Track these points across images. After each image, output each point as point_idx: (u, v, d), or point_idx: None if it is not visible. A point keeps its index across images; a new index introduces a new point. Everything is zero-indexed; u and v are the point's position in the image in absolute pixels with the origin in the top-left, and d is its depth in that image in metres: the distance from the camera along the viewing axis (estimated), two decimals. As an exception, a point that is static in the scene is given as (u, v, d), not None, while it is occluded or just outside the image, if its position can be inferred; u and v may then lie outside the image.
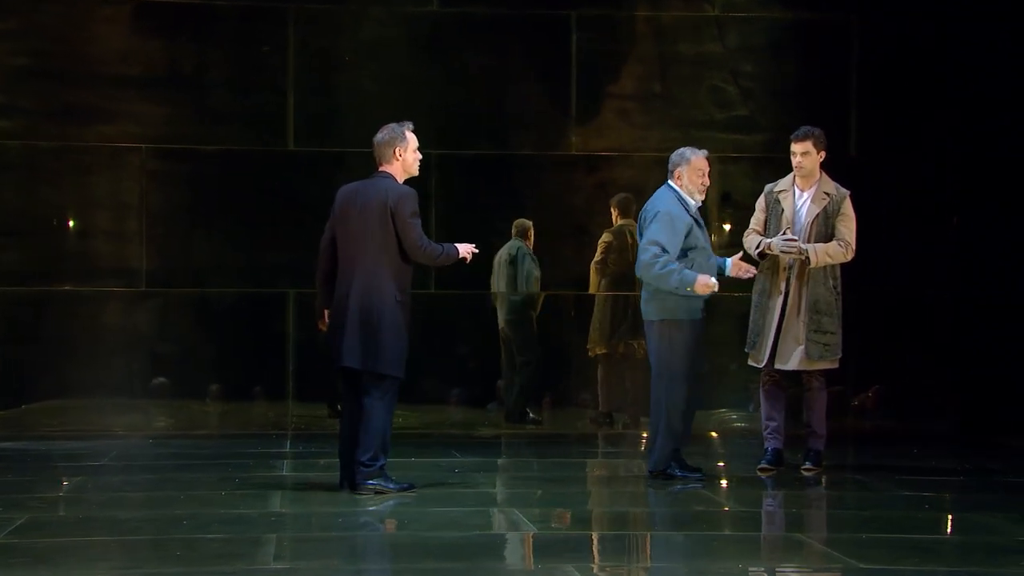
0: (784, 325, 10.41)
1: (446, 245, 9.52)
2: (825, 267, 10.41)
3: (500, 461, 11.85)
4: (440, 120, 13.02)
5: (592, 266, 13.67)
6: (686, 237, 9.91)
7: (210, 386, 13.47)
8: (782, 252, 10.33)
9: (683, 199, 10.03)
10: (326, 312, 9.52)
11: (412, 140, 9.49)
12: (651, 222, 9.97)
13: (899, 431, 13.44)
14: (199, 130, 13.40)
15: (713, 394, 12.98)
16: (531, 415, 13.78)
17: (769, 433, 10.58)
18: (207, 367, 13.44)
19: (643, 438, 12.44)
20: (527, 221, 13.70)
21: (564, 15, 13.69)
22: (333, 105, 13.60)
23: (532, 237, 13.71)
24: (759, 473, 10.49)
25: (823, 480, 10.48)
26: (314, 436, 12.68)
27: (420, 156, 9.56)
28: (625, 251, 13.37)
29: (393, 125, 9.49)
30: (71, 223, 13.36)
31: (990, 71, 13.71)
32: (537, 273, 13.67)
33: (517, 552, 7.95)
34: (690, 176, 10.04)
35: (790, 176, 10.62)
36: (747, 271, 10.28)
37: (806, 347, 10.37)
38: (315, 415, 13.39)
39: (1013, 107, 13.65)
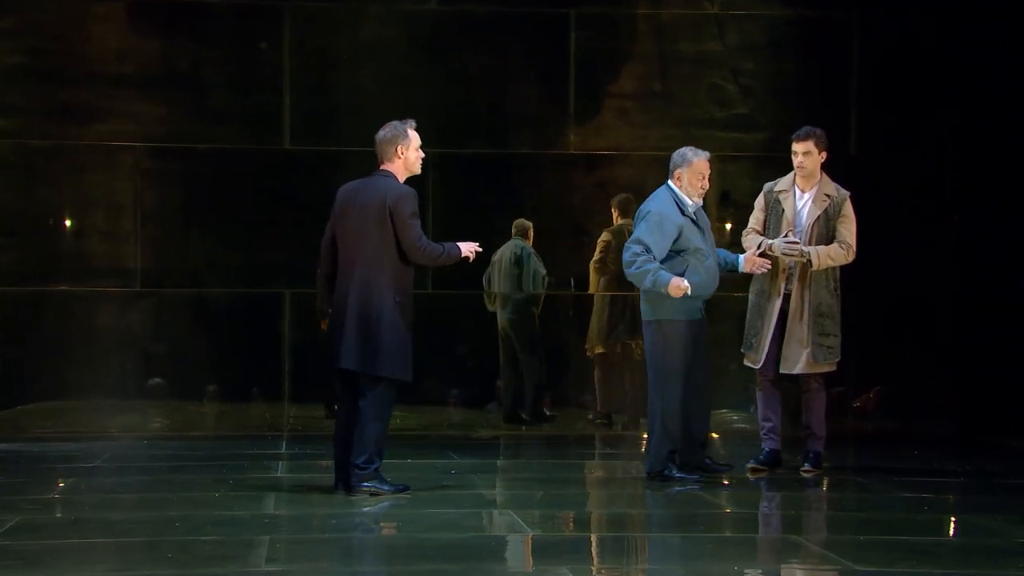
0: (788, 329, 10.39)
1: (447, 245, 9.44)
2: (826, 269, 10.37)
3: (497, 462, 11.83)
4: (438, 119, 12.95)
5: (591, 266, 13.65)
6: (677, 239, 9.87)
7: (205, 387, 13.43)
8: (783, 254, 10.27)
9: (680, 200, 9.99)
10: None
11: (415, 138, 9.44)
12: (640, 221, 9.98)
13: (899, 432, 13.41)
14: (194, 129, 13.35)
15: (713, 395, 12.87)
16: (547, 412, 13.76)
17: (766, 433, 10.56)
18: (203, 368, 13.41)
19: (643, 439, 12.34)
20: (527, 221, 13.65)
21: (563, 13, 13.65)
22: (330, 104, 13.57)
23: (532, 237, 13.66)
24: (749, 474, 10.48)
25: (822, 482, 10.44)
26: (310, 437, 12.66)
27: (423, 154, 9.50)
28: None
29: (396, 123, 9.43)
30: (65, 223, 13.32)
31: (991, 69, 13.67)
32: (543, 272, 13.63)
33: (513, 554, 7.90)
34: (690, 178, 10.01)
35: (790, 176, 10.56)
36: (762, 265, 10.23)
37: (812, 351, 10.35)
38: (312, 416, 13.35)
39: (1014, 105, 13.58)
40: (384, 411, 9.34)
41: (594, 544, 8.34)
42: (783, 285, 10.40)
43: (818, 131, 10.52)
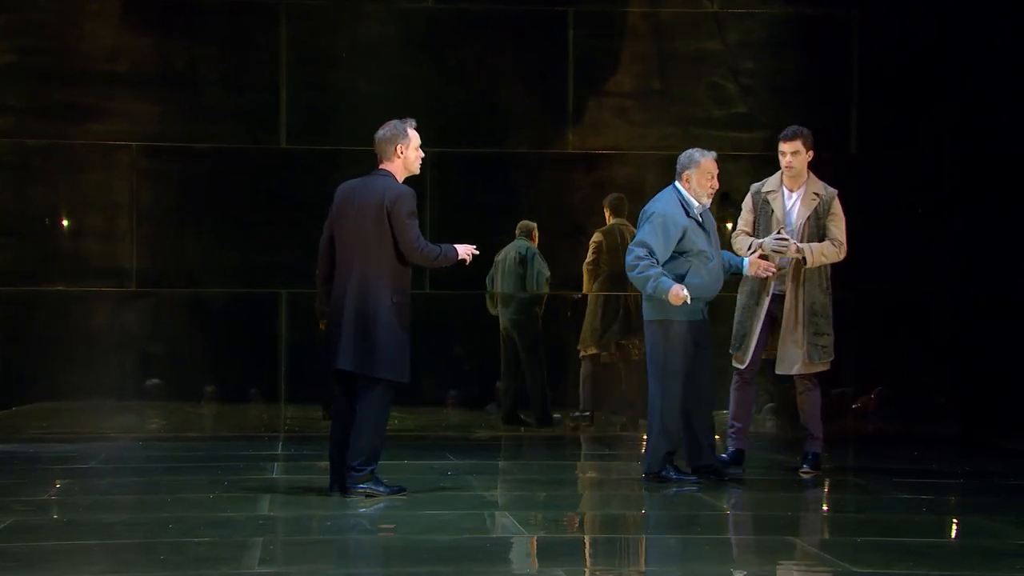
0: (783, 330, 10.38)
1: (444, 246, 9.39)
2: (818, 268, 10.36)
3: (494, 464, 11.78)
4: (435, 118, 12.90)
5: (584, 267, 13.62)
6: (680, 240, 9.84)
7: (202, 388, 13.38)
8: (773, 251, 10.23)
9: (686, 201, 9.95)
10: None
11: (414, 137, 9.39)
12: (644, 223, 9.95)
13: (899, 433, 13.38)
14: (190, 128, 13.29)
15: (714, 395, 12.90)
16: (551, 415, 13.75)
17: (734, 434, 10.56)
18: (199, 368, 13.35)
19: (642, 440, 12.31)
20: (531, 222, 13.61)
21: (561, 11, 13.60)
22: (326, 102, 13.51)
23: (536, 237, 13.62)
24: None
25: (821, 483, 10.40)
26: (307, 438, 12.62)
27: (422, 154, 9.46)
28: (617, 251, 13.31)
29: (395, 122, 9.39)
30: (60, 222, 13.26)
31: (990, 68, 13.61)
32: (547, 273, 13.60)
33: (508, 556, 7.86)
34: (699, 179, 9.97)
35: (777, 176, 10.55)
36: (767, 269, 10.17)
37: (807, 351, 10.33)
38: (309, 417, 13.31)
39: (1013, 104, 13.53)
40: (381, 413, 9.30)
41: (590, 546, 8.30)
42: (773, 286, 10.38)
43: (805, 130, 10.51)
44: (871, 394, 13.69)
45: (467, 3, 13.57)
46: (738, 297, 10.58)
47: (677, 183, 10.01)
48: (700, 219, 9.95)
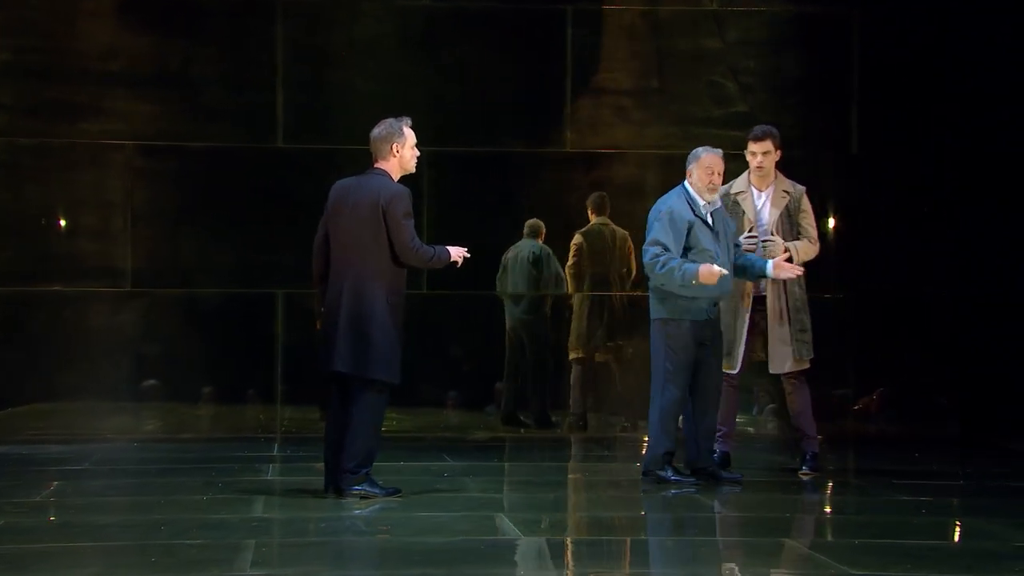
0: (770, 330, 10.39)
1: (438, 248, 9.34)
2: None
3: (491, 465, 11.71)
4: (432, 116, 12.85)
5: (566, 270, 13.57)
6: (687, 236, 9.79)
7: (197, 389, 13.33)
8: (745, 250, 10.19)
9: (692, 199, 9.92)
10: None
11: (410, 136, 9.33)
12: (654, 222, 9.94)
13: (899, 433, 13.34)
14: (186, 127, 13.24)
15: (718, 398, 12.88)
16: (552, 417, 13.72)
17: (720, 436, 10.48)
18: (194, 369, 13.29)
19: (641, 440, 12.37)
20: (539, 221, 13.57)
21: (560, 9, 13.55)
22: (323, 101, 13.46)
23: (544, 236, 13.59)
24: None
25: (820, 484, 10.38)
26: (304, 440, 12.56)
27: (418, 153, 9.41)
28: (602, 252, 13.32)
29: (391, 120, 9.33)
30: (55, 222, 13.21)
31: (992, 66, 13.54)
32: (563, 274, 13.52)
33: (502, 558, 7.79)
34: (699, 174, 9.93)
35: (744, 176, 10.59)
36: (792, 271, 10.06)
37: (795, 348, 10.35)
38: (306, 418, 13.26)
39: (1015, 102, 13.46)
40: (377, 415, 9.25)
41: (585, 548, 8.27)
42: (754, 287, 10.36)
43: (774, 130, 10.54)
44: (873, 395, 13.65)
45: (465, 1, 13.53)
46: (721, 303, 10.53)
47: (686, 181, 10.00)
48: (706, 217, 9.89)
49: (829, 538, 8.62)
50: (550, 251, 13.55)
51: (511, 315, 13.66)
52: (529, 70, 13.61)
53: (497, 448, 12.82)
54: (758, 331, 10.41)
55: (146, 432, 13.05)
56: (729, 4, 13.67)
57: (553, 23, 13.52)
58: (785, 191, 10.46)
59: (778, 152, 10.47)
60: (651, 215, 10.00)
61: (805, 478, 10.41)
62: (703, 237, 9.82)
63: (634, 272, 13.23)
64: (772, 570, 7.68)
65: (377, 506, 9.02)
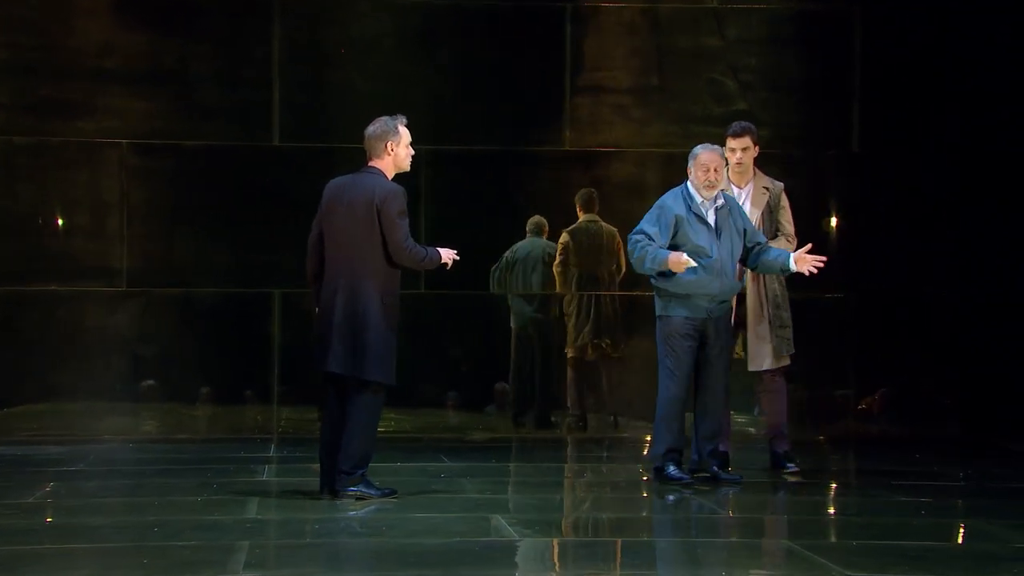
0: (750, 327, 10.40)
1: (429, 249, 9.31)
2: None
3: (489, 466, 11.65)
4: (430, 115, 12.79)
5: (554, 268, 13.49)
6: (675, 234, 9.78)
7: (194, 389, 13.27)
8: None
9: (690, 195, 9.91)
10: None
11: (405, 135, 9.29)
12: (645, 214, 9.99)
13: (900, 434, 13.29)
14: (181, 125, 13.19)
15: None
16: (552, 419, 13.68)
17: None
18: (191, 369, 13.24)
19: (637, 441, 12.46)
20: (543, 218, 13.52)
21: (559, 7, 13.50)
22: (320, 100, 13.40)
23: (547, 234, 13.56)
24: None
25: (819, 485, 10.41)
26: (301, 440, 12.54)
27: (412, 152, 9.35)
28: (589, 250, 13.26)
29: (385, 118, 9.28)
30: (50, 221, 13.15)
31: (993, 64, 13.50)
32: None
33: (497, 560, 7.73)
34: (695, 172, 9.92)
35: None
36: (815, 262, 9.89)
37: (775, 344, 10.35)
38: (303, 419, 13.20)
39: (1016, 101, 13.42)
40: (373, 416, 9.21)
41: (582, 549, 8.24)
42: None
43: (752, 126, 10.57)
44: (875, 395, 13.60)
45: (463, -2, 13.52)
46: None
47: (688, 179, 9.98)
48: (706, 215, 9.84)
49: (827, 539, 8.58)
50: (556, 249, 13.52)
51: (520, 314, 13.58)
52: (528, 68, 13.54)
53: (496, 449, 12.76)
54: (738, 329, 10.39)
55: (142, 433, 13.00)
56: (729, 1, 13.61)
57: (552, 20, 13.46)
58: (764, 188, 10.46)
59: (756, 148, 10.48)
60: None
61: (792, 479, 10.36)
62: (694, 234, 9.79)
63: (623, 270, 13.18)
64: (768, 572, 7.67)
65: (373, 507, 8.97)
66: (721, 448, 10.30)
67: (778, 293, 10.38)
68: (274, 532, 8.46)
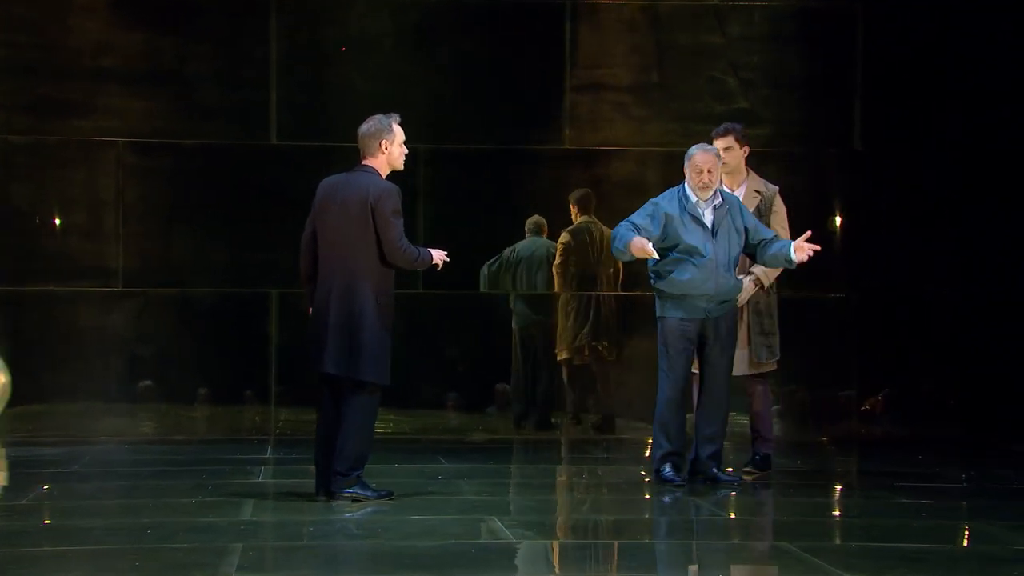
0: None
1: (422, 250, 9.26)
2: (762, 268, 10.18)
3: (487, 467, 11.60)
4: (429, 113, 12.80)
5: (554, 268, 13.43)
6: (665, 235, 9.73)
7: (190, 389, 13.24)
8: None
9: (685, 195, 9.86)
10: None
11: (399, 133, 9.22)
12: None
13: (901, 434, 13.26)
14: (178, 124, 13.15)
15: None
16: (552, 420, 13.63)
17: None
18: (188, 370, 13.20)
19: (636, 442, 12.43)
20: (542, 218, 13.46)
21: (558, 4, 13.46)
22: (318, 98, 13.36)
23: (547, 233, 13.52)
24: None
25: (819, 487, 10.39)
26: (298, 441, 12.46)
27: (406, 150, 9.29)
28: (586, 251, 13.21)
29: (380, 116, 9.23)
30: (46, 221, 13.11)
31: (994, 63, 13.47)
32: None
33: (492, 562, 7.68)
34: (690, 173, 9.87)
35: None
36: (809, 249, 9.76)
37: (753, 350, 10.24)
38: (300, 420, 13.12)
39: (1017, 100, 13.39)
40: (368, 417, 9.16)
41: (578, 551, 8.19)
42: None
43: (738, 126, 10.48)
44: (878, 396, 13.55)
45: (462, -5, 13.47)
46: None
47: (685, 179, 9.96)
48: (701, 215, 9.79)
49: (826, 541, 8.52)
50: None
51: (522, 315, 13.53)
52: (527, 66, 13.51)
53: (495, 450, 12.73)
54: None
55: (138, 434, 12.96)
56: (730, -2, 13.60)
57: (552, 18, 13.42)
58: (757, 191, 10.35)
59: (744, 149, 10.37)
60: None
61: (748, 478, 10.28)
62: (687, 233, 9.74)
63: (621, 271, 13.12)
64: (764, 574, 7.66)
65: (368, 509, 8.93)
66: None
67: (761, 300, 10.26)
68: (268, 534, 8.40)
